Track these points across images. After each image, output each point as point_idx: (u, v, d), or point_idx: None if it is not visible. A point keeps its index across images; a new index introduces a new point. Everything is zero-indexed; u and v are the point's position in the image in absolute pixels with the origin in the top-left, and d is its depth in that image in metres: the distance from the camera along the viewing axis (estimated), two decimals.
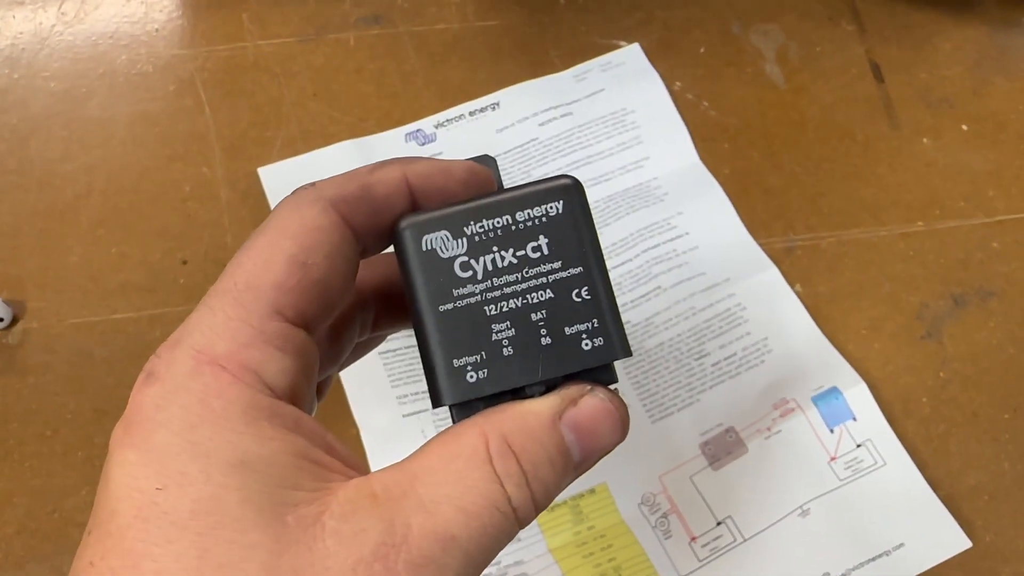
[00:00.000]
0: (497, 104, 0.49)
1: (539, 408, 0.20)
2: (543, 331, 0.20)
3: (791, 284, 0.44)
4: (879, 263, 0.45)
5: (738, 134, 0.49)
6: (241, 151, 0.48)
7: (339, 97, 0.50)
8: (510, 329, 0.20)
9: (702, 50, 0.51)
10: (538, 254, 0.20)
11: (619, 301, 0.43)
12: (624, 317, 0.43)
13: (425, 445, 0.20)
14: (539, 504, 0.20)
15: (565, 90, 0.49)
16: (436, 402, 0.20)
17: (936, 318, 0.44)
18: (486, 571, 0.37)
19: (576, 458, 0.20)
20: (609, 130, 0.48)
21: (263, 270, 0.19)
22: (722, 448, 0.40)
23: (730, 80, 0.50)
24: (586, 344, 0.20)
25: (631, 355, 0.21)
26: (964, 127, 0.49)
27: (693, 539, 0.38)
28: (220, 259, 0.46)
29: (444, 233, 0.21)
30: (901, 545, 0.37)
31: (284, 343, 0.19)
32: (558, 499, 0.39)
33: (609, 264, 0.44)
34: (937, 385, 0.42)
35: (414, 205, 0.22)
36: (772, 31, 0.52)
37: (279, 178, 0.46)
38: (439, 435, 0.20)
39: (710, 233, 0.45)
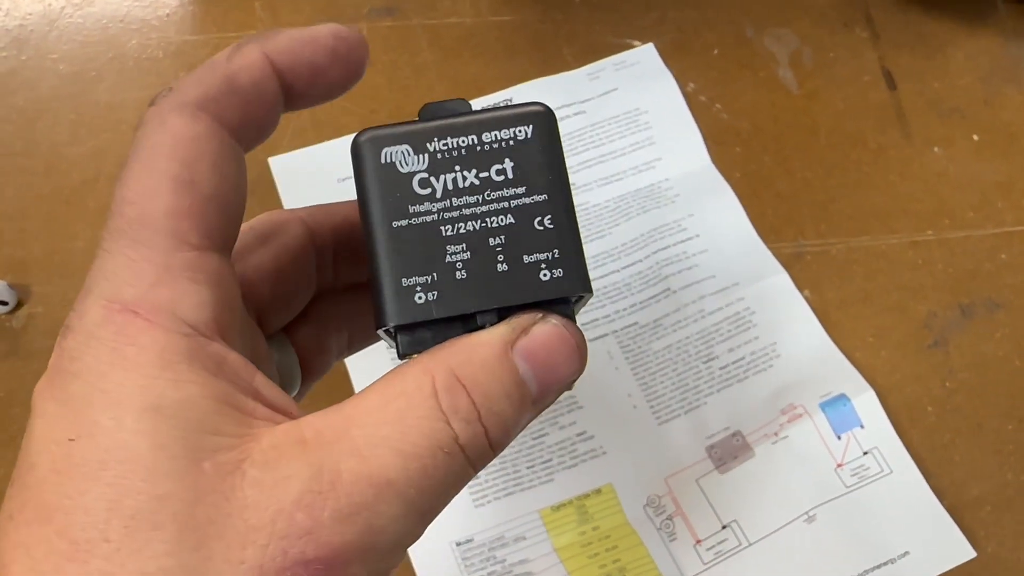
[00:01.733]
0: (510, 100, 0.48)
1: (489, 338, 0.18)
2: (500, 257, 0.19)
3: (800, 289, 0.44)
4: (888, 271, 0.45)
5: (750, 138, 0.49)
6: None
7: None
8: (465, 252, 0.19)
9: (716, 52, 0.51)
10: (502, 177, 0.20)
11: (628, 302, 0.43)
12: (632, 318, 0.43)
13: (367, 387, 0.18)
14: (495, 442, 0.18)
15: (578, 88, 0.49)
16: (379, 322, 0.19)
17: (943, 328, 0.44)
18: (490, 568, 0.37)
19: (533, 391, 0.19)
20: (622, 129, 0.48)
21: (150, 198, 0.17)
22: (729, 452, 0.40)
23: (743, 83, 0.50)
24: (544, 275, 0.19)
25: (591, 293, 0.20)
26: (975, 137, 0.49)
27: (698, 542, 0.38)
28: None
29: (405, 147, 0.20)
30: (906, 553, 0.37)
31: (195, 274, 0.18)
32: (564, 498, 0.39)
33: (618, 264, 0.44)
34: (943, 395, 0.42)
35: (286, 87, 0.20)
36: (786, 35, 0.52)
37: (289, 168, 0.46)
38: (382, 376, 0.18)
39: (720, 236, 0.45)
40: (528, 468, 0.40)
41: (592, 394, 0.41)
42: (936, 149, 0.48)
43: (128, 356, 0.16)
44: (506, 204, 0.19)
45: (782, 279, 0.44)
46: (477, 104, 0.49)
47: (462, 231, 0.19)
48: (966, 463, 0.41)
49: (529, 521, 0.39)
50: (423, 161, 0.20)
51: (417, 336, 0.19)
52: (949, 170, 0.48)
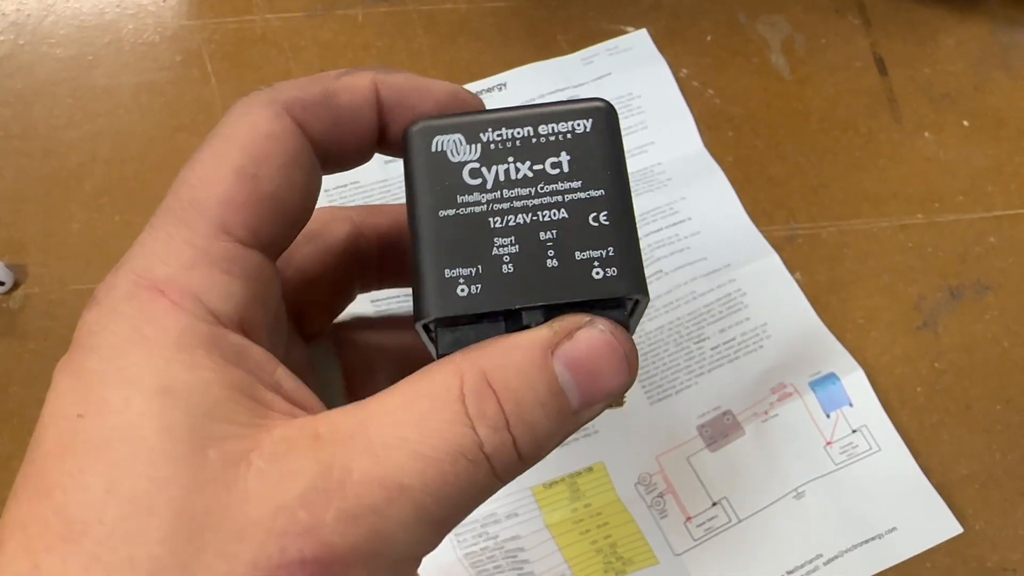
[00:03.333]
0: (504, 84, 0.49)
1: (528, 340, 0.17)
2: (550, 252, 0.18)
3: (791, 271, 0.44)
4: (878, 254, 0.46)
5: (743, 123, 0.49)
6: None
7: None
8: (514, 245, 0.18)
9: (709, 38, 0.51)
10: (557, 171, 0.19)
11: None
12: None
13: (393, 385, 0.17)
14: (525, 454, 0.17)
15: (572, 72, 0.49)
16: (418, 315, 0.18)
17: (933, 309, 0.44)
18: (482, 544, 0.38)
19: (573, 402, 0.17)
20: None
21: (208, 184, 0.17)
22: (719, 430, 0.40)
23: (736, 69, 0.50)
24: (597, 273, 0.18)
25: (647, 296, 0.18)
26: (965, 123, 0.49)
27: (688, 519, 0.39)
28: None
29: (458, 136, 0.19)
30: (893, 529, 0.38)
31: (231, 265, 0.17)
32: (556, 476, 0.40)
33: None
34: (932, 375, 0.43)
35: (382, 121, 0.19)
36: (778, 22, 0.52)
37: None
38: (411, 375, 0.17)
39: (712, 219, 0.45)
40: None
41: None
42: (927, 134, 0.49)
43: (146, 335, 0.16)
44: (560, 198, 0.18)
45: (773, 261, 0.44)
46: (474, 88, 0.49)
47: (511, 223, 0.18)
48: (954, 442, 0.41)
49: (521, 498, 0.39)
50: (475, 151, 0.19)
51: (458, 335, 0.18)
52: (939, 155, 0.48)
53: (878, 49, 0.51)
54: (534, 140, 0.19)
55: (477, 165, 0.19)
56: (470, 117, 0.19)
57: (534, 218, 0.18)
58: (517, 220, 0.18)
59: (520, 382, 0.17)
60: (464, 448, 0.16)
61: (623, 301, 0.18)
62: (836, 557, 0.37)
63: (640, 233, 0.44)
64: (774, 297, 0.43)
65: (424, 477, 0.16)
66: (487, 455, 0.16)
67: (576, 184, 0.18)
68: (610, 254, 0.18)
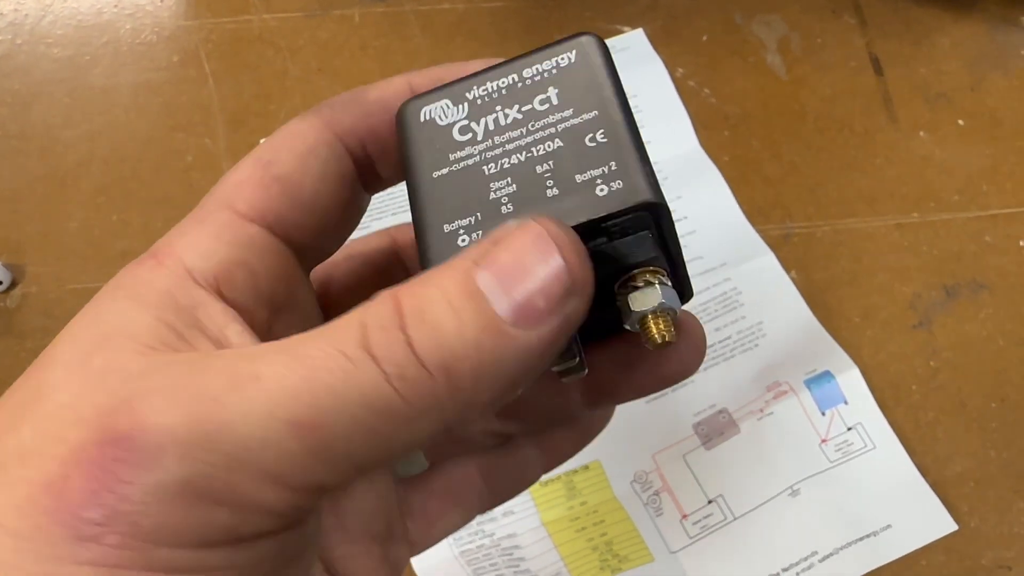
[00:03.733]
0: None
1: (452, 261, 0.15)
2: (549, 183, 0.17)
3: (787, 270, 0.44)
4: (874, 253, 0.46)
5: (739, 122, 0.49)
6: (244, 123, 0.49)
7: (343, 73, 0.50)
8: (511, 185, 0.17)
9: (705, 38, 0.52)
10: (546, 106, 0.18)
11: None
12: None
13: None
14: (432, 363, 0.14)
15: None
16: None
17: (928, 308, 0.44)
18: (478, 542, 0.38)
19: (499, 308, 0.14)
20: None
21: (232, 173, 0.19)
22: (715, 428, 0.40)
23: (732, 69, 0.51)
24: (601, 190, 0.16)
25: (662, 202, 0.16)
26: (960, 122, 0.49)
27: (684, 516, 0.39)
28: None
29: (444, 102, 0.19)
30: (888, 526, 0.38)
31: (221, 231, 0.18)
32: (552, 474, 0.40)
33: None
34: (927, 373, 0.43)
35: None
36: (774, 22, 0.52)
37: None
38: None
39: (709, 218, 0.45)
40: None
41: None
42: (922, 134, 0.49)
43: (123, 285, 0.17)
44: (552, 130, 0.18)
45: (769, 260, 0.44)
46: None
47: (506, 166, 0.18)
48: (949, 440, 0.41)
49: (518, 496, 0.39)
50: (463, 110, 0.18)
51: None
52: (935, 154, 0.48)
53: (874, 49, 0.51)
54: (519, 84, 0.18)
55: (466, 122, 0.18)
56: (456, 83, 0.19)
57: (528, 155, 0.18)
58: (511, 161, 0.18)
59: (429, 289, 0.15)
60: (342, 343, 0.14)
61: (643, 219, 0.17)
62: (831, 554, 0.38)
63: None
64: (770, 296, 0.43)
65: (286, 370, 0.14)
66: (373, 355, 0.14)
67: (568, 112, 0.18)
68: (612, 169, 0.17)
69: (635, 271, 0.17)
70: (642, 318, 0.17)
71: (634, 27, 0.51)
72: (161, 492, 0.14)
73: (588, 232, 0.16)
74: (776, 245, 0.45)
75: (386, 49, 0.51)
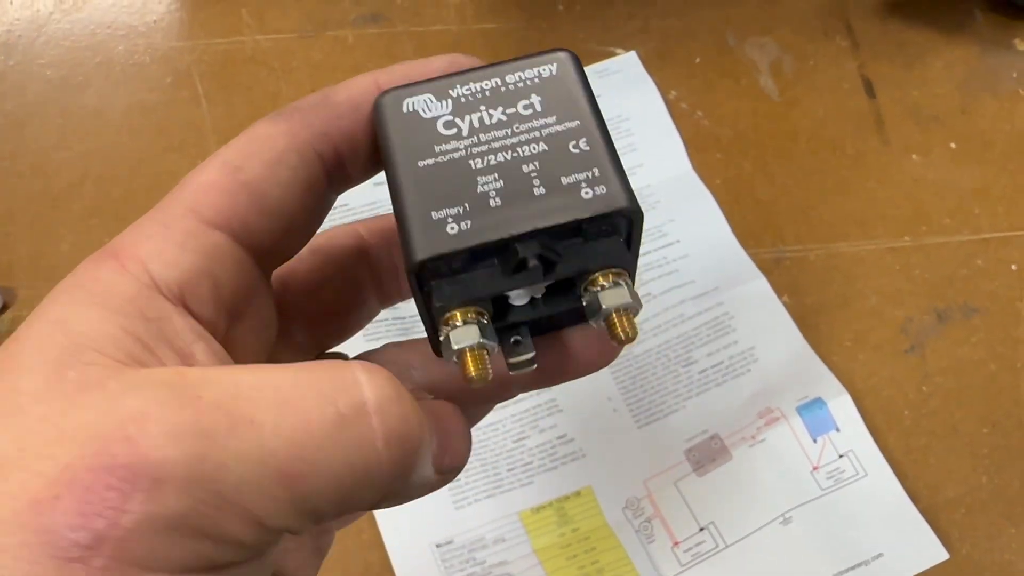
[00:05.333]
0: None
1: None
2: (536, 181, 0.18)
3: (779, 294, 0.45)
4: (865, 276, 0.46)
5: (731, 145, 0.49)
6: None
7: None
8: (498, 181, 0.18)
9: (697, 60, 0.52)
10: (530, 111, 0.19)
11: None
12: None
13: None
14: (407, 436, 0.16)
15: None
16: (409, 261, 0.18)
17: (920, 332, 0.44)
18: (470, 570, 0.38)
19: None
20: None
21: (196, 174, 0.19)
22: (707, 455, 0.40)
23: (724, 91, 0.51)
24: (586, 193, 0.18)
25: (639, 210, 0.18)
26: (952, 145, 0.49)
27: (676, 544, 0.39)
28: None
29: (427, 96, 0.19)
30: (880, 555, 0.38)
31: (187, 239, 0.18)
32: (544, 500, 0.40)
33: None
34: (919, 399, 0.43)
35: None
36: (767, 44, 0.52)
37: None
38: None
39: (701, 242, 0.45)
40: (508, 471, 0.40)
41: (572, 397, 0.42)
42: (914, 156, 0.49)
43: (80, 285, 0.17)
44: (537, 133, 0.19)
45: (761, 284, 0.44)
46: None
47: (492, 162, 0.18)
48: (941, 466, 0.41)
49: (509, 523, 0.39)
50: (447, 106, 0.19)
51: (453, 286, 0.18)
52: (927, 177, 0.49)
53: (866, 71, 0.52)
54: (503, 89, 0.19)
55: (451, 117, 0.19)
56: (437, 80, 0.19)
57: (515, 155, 0.18)
58: (498, 158, 0.18)
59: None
60: (336, 395, 0.15)
61: (620, 224, 0.18)
62: None
63: None
64: (762, 321, 0.43)
65: (279, 417, 0.15)
66: (370, 410, 0.15)
67: (551, 119, 0.19)
68: (596, 175, 0.18)
69: (600, 271, 0.18)
70: (609, 315, 0.18)
71: (627, 49, 0.51)
72: (156, 523, 0.14)
73: (569, 231, 0.18)
74: (768, 269, 0.45)
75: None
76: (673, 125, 0.49)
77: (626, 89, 0.49)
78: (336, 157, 0.20)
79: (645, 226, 0.48)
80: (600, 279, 0.18)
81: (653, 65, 0.51)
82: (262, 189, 0.18)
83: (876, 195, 0.48)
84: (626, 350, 0.43)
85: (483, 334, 0.18)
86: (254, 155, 0.19)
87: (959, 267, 0.46)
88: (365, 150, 0.20)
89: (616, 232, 0.18)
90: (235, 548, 0.15)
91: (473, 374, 0.17)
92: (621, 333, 0.18)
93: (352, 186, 0.21)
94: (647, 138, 0.48)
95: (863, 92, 0.51)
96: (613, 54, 0.51)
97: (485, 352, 0.18)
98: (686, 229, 0.46)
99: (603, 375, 0.42)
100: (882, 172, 0.49)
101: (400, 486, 0.16)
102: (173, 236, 0.18)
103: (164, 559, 0.14)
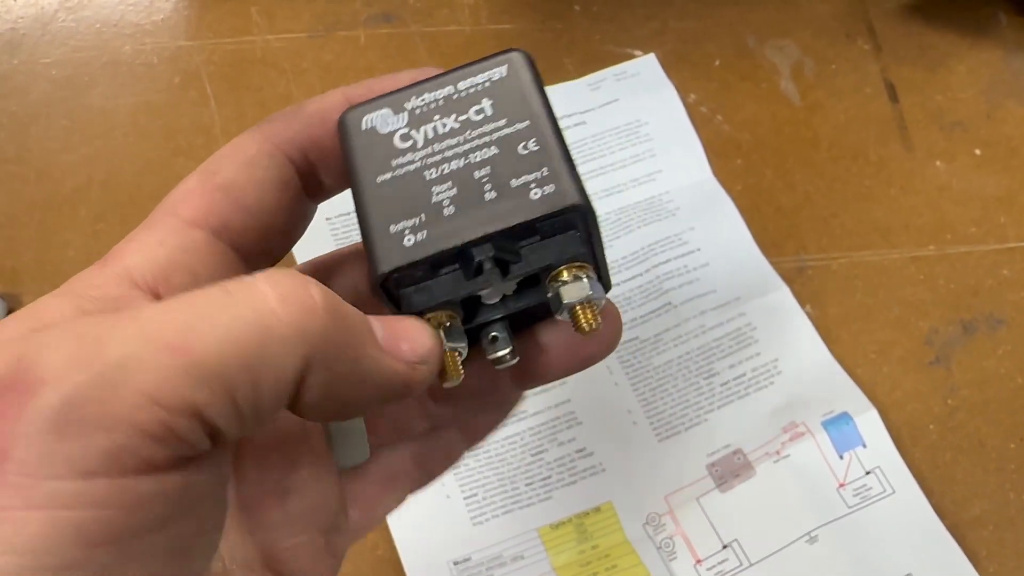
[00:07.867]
0: None
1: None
2: (487, 186, 0.19)
3: (802, 305, 0.44)
4: (889, 286, 0.45)
5: (752, 150, 0.48)
6: None
7: None
8: (451, 189, 0.19)
9: (717, 63, 0.51)
10: (481, 116, 0.19)
11: (629, 316, 0.43)
12: (633, 332, 0.42)
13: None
14: (322, 302, 0.16)
15: (579, 98, 0.48)
16: (373, 278, 0.19)
17: (945, 344, 0.44)
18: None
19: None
20: (622, 141, 0.47)
21: (180, 185, 0.20)
22: (730, 470, 0.39)
23: (745, 94, 0.50)
24: (535, 193, 0.18)
25: (588, 205, 0.18)
26: (977, 151, 0.48)
27: (698, 561, 0.38)
28: None
29: (384, 111, 0.20)
30: (908, 575, 0.37)
31: (166, 236, 0.19)
32: (563, 516, 0.39)
33: (619, 278, 0.44)
34: (945, 412, 0.42)
35: None
36: (787, 47, 0.51)
37: None
38: None
39: (722, 250, 0.44)
40: (527, 485, 0.39)
41: (591, 410, 0.41)
42: (938, 163, 0.48)
43: (65, 287, 0.18)
44: (488, 138, 0.19)
45: (783, 294, 0.43)
46: None
47: (446, 171, 0.19)
48: (968, 482, 0.41)
49: (528, 539, 0.38)
50: (403, 119, 0.20)
51: (420, 294, 0.19)
52: (951, 184, 0.48)
53: (888, 75, 0.51)
54: (455, 96, 0.20)
55: (406, 130, 0.20)
56: (395, 93, 0.20)
57: (467, 161, 0.19)
58: (451, 167, 0.19)
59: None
60: (226, 284, 0.16)
61: (572, 220, 0.18)
62: None
63: (649, 264, 0.44)
64: (785, 331, 0.42)
65: (165, 306, 0.16)
66: (258, 281, 0.16)
67: (501, 122, 0.19)
68: (545, 174, 0.18)
69: (563, 266, 0.19)
70: (571, 308, 0.18)
71: (644, 51, 0.50)
72: (39, 421, 0.14)
73: (523, 231, 0.18)
74: (790, 278, 0.44)
75: (391, 71, 0.50)
76: (693, 129, 0.48)
77: (645, 92, 0.48)
78: (306, 162, 0.21)
79: (665, 233, 0.47)
80: (563, 273, 0.19)
81: (672, 68, 0.50)
82: (236, 187, 0.20)
83: (899, 203, 0.47)
84: (646, 361, 0.42)
85: (449, 337, 0.19)
86: (227, 158, 0.20)
87: (985, 277, 0.45)
88: (335, 159, 0.21)
89: (572, 227, 0.19)
90: (136, 438, 0.14)
91: (444, 375, 0.18)
92: (585, 325, 0.18)
93: (329, 195, 0.22)
94: (666, 143, 0.47)
95: (886, 96, 0.50)
96: (631, 56, 0.50)
97: (457, 354, 0.19)
98: (707, 237, 0.45)
99: (622, 386, 0.41)
100: (905, 179, 0.48)
101: (337, 354, 0.16)
102: (154, 235, 0.19)
103: (58, 461, 0.14)
